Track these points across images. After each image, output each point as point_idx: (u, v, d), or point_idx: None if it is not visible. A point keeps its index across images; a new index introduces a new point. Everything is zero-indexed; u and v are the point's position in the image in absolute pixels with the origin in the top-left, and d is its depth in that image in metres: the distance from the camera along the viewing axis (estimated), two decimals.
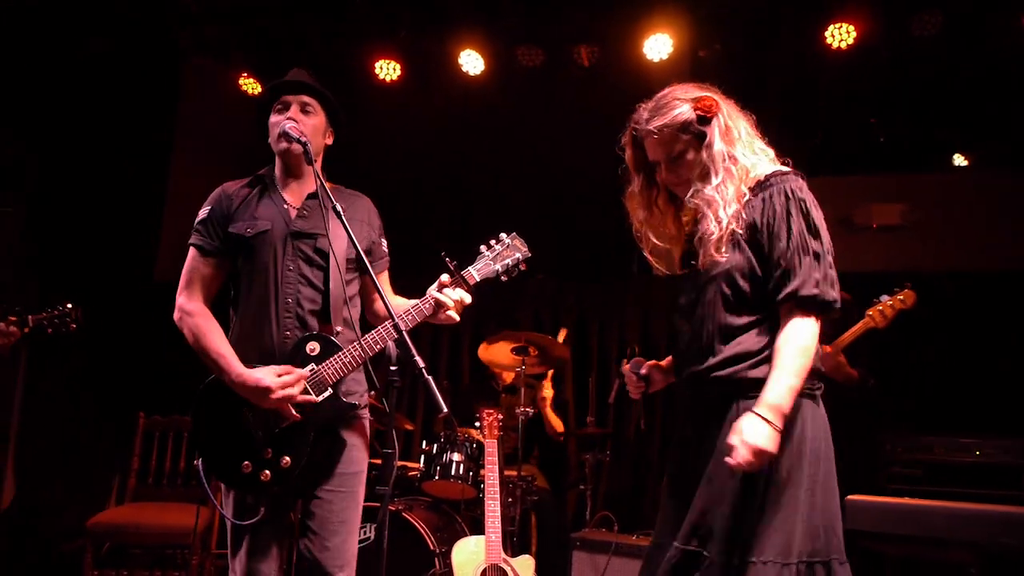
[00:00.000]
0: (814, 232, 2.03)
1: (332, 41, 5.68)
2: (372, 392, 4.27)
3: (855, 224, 5.46)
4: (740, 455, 1.89)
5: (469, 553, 3.51)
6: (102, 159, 6.01)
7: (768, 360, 2.00)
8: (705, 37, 5.24)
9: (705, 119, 2.11)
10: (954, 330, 5.04)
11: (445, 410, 2.13)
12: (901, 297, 3.70)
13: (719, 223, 2.04)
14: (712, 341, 2.07)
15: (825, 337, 3.76)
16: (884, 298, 3.71)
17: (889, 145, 5.48)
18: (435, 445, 4.21)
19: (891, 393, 4.94)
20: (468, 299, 2.38)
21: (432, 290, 2.34)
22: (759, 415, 1.92)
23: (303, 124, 2.51)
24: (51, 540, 5.50)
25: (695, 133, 2.12)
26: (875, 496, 2.59)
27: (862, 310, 3.75)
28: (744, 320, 2.06)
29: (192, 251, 2.54)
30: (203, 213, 2.55)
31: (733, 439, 1.92)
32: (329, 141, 2.66)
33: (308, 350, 2.37)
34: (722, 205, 2.05)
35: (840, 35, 4.91)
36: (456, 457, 4.13)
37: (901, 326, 4.60)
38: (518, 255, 2.46)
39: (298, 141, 2.42)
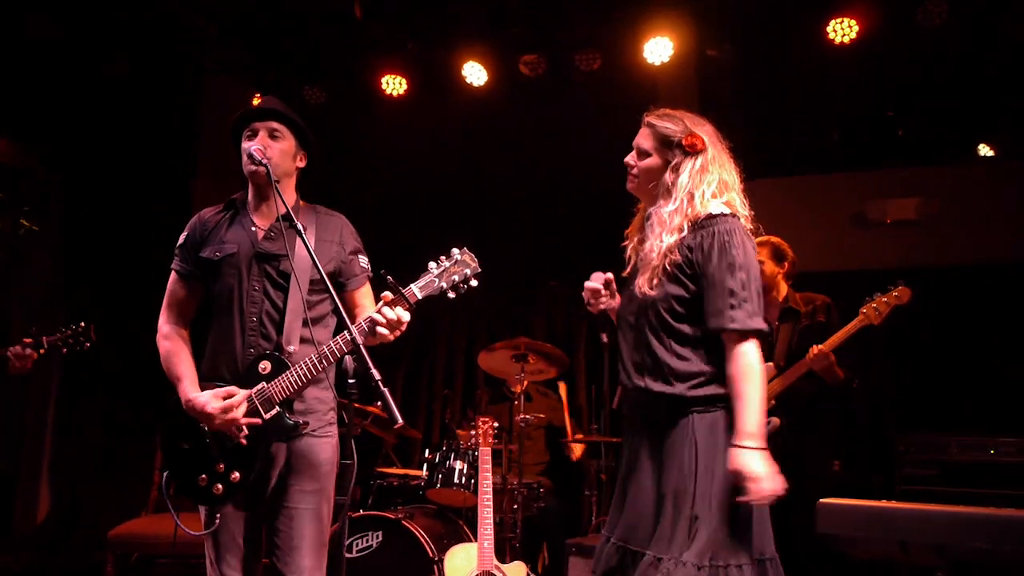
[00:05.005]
0: (737, 270, 2.20)
1: (341, 58, 5.82)
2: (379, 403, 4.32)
3: (868, 220, 5.35)
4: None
5: (462, 560, 3.56)
6: (127, 177, 6.20)
7: (709, 381, 2.22)
8: (706, 38, 5.22)
9: (686, 151, 2.33)
10: (967, 326, 4.91)
11: (400, 422, 2.19)
12: (896, 294, 3.63)
13: (658, 250, 2.28)
14: (655, 362, 2.28)
15: (817, 338, 3.75)
16: (878, 295, 3.65)
17: (900, 139, 5.37)
18: (438, 453, 4.28)
19: (904, 392, 4.85)
20: (406, 317, 2.38)
21: (371, 310, 2.38)
22: (743, 446, 2.09)
23: (270, 148, 2.60)
24: (86, 551, 5.70)
25: (670, 154, 2.35)
26: (846, 499, 2.55)
27: (856, 308, 3.69)
28: (682, 344, 2.26)
29: (172, 274, 2.71)
30: (181, 239, 2.71)
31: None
32: (301, 164, 2.74)
33: (260, 369, 2.46)
34: (666, 231, 2.29)
35: (842, 29, 4.84)
36: (458, 465, 4.18)
37: (916, 322, 4.51)
38: (467, 271, 2.43)
39: (260, 163, 2.50)
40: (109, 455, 6.14)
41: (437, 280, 2.41)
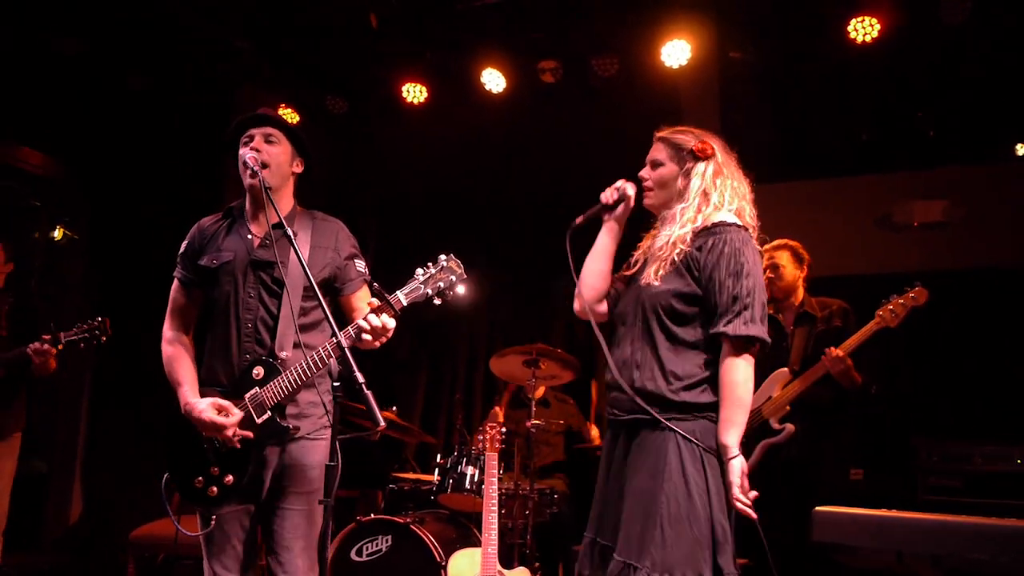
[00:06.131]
0: (742, 277, 2.25)
1: (362, 68, 5.88)
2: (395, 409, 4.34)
3: (895, 223, 5.22)
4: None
5: (465, 564, 3.56)
6: (157, 187, 6.34)
7: (697, 385, 2.25)
8: (725, 40, 5.17)
9: (697, 157, 2.41)
10: (995, 331, 4.76)
11: (382, 424, 2.20)
12: (913, 295, 3.55)
13: (667, 240, 2.34)
14: (646, 360, 2.30)
15: (833, 343, 3.67)
16: (894, 297, 3.57)
17: (926, 139, 5.24)
18: (449, 458, 4.29)
19: (928, 398, 4.72)
20: (391, 324, 2.38)
21: (359, 317, 2.39)
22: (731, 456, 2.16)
23: (266, 152, 2.64)
24: (113, 553, 5.82)
25: (685, 161, 2.43)
26: (842, 507, 2.49)
27: (872, 311, 3.61)
28: (676, 345, 2.29)
29: (174, 282, 2.76)
30: (182, 247, 2.77)
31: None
32: (298, 169, 2.78)
33: (253, 374, 2.50)
34: (677, 224, 2.36)
35: (863, 28, 4.74)
36: (469, 470, 4.18)
37: (941, 327, 4.38)
38: (452, 277, 2.41)
39: (253, 170, 2.54)
40: (139, 457, 6.26)
41: (423, 287, 2.41)
